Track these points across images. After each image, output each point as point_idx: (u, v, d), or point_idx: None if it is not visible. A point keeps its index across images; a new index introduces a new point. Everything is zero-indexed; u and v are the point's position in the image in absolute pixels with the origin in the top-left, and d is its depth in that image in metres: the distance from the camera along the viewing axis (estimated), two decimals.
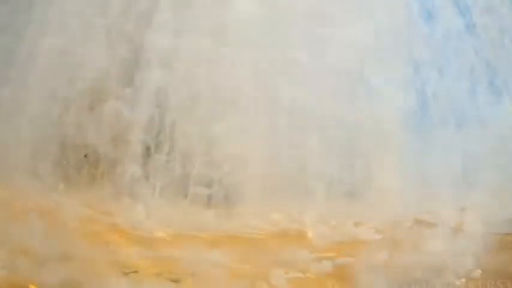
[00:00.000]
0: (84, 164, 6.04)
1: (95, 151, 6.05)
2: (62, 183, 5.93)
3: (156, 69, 6.15)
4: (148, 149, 6.04)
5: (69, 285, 4.76)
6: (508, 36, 6.80)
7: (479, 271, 5.34)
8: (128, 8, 6.32)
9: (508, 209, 6.13)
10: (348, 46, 6.55)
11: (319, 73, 6.45)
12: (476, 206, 6.04)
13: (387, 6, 6.65)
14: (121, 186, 5.88)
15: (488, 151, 6.47)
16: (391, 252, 5.55)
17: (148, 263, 5.23)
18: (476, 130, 6.66)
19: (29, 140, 6.14)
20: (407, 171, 6.54)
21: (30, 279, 4.85)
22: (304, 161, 6.22)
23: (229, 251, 5.53)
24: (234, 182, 6.06)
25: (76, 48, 6.32)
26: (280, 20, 6.31)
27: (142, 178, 5.92)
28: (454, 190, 6.22)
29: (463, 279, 5.29)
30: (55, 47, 6.35)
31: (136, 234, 5.62)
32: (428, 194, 6.35)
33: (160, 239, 5.68)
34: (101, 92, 6.19)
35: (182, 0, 6.35)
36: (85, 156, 5.80)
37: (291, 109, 6.28)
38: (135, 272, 5.12)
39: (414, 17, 6.71)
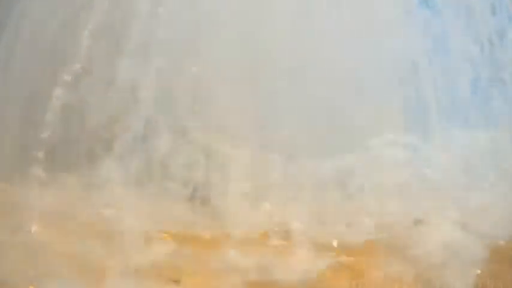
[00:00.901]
0: (66, 159, 5.92)
1: (77, 147, 5.95)
2: (41, 180, 5.79)
3: (134, 61, 6.02)
4: (127, 144, 5.88)
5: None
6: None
7: (479, 271, 5.18)
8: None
9: (509, 209, 5.93)
10: (342, 41, 6.41)
11: (310, 67, 6.28)
12: (477, 207, 5.89)
13: None
14: (97, 181, 5.73)
15: (491, 150, 6.33)
16: (389, 252, 5.37)
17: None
18: (478, 128, 6.51)
19: (11, 135, 6.09)
20: (406, 170, 6.31)
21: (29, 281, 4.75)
22: (292, 158, 6.02)
23: (215, 251, 5.32)
24: (216, 180, 5.87)
25: (58, 43, 6.27)
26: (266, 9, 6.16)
27: (120, 174, 5.76)
28: (454, 190, 6.06)
29: (463, 280, 5.11)
30: (36, 42, 6.32)
31: (113, 231, 5.45)
32: (429, 193, 6.13)
33: (140, 237, 5.49)
34: (82, 87, 6.08)
35: None
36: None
37: (278, 103, 6.09)
38: (135, 272, 4.94)
39: (412, 6, 6.57)
